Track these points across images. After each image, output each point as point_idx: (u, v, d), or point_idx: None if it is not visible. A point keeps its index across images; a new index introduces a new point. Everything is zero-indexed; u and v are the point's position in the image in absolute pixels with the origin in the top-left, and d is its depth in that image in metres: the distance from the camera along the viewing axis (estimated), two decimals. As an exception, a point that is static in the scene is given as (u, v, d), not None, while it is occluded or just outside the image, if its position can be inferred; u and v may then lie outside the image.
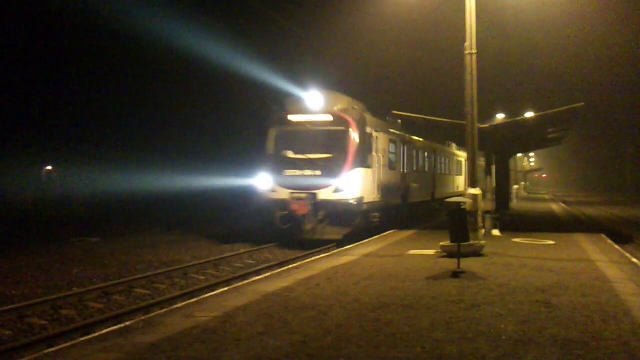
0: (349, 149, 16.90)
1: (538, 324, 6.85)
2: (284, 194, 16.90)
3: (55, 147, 41.87)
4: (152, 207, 33.25)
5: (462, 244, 10.75)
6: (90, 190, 36.62)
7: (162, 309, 9.01)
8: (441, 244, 12.74)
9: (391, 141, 20.24)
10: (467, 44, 14.46)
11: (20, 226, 24.56)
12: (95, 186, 36.73)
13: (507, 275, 10.10)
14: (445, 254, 12.46)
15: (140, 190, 33.21)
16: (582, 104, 17.73)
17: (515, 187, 48.77)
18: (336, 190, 16.50)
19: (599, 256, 12.76)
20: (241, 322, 7.05)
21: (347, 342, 6.18)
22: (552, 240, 15.77)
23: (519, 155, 57.69)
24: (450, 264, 11.08)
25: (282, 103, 18.43)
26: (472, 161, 15.13)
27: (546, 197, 63.55)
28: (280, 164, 17.38)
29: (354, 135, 17.03)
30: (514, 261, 11.78)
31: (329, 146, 17.17)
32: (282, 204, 16.87)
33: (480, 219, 14.41)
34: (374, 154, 18.04)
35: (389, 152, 19.92)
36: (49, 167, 45.40)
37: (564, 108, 17.84)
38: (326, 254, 13.51)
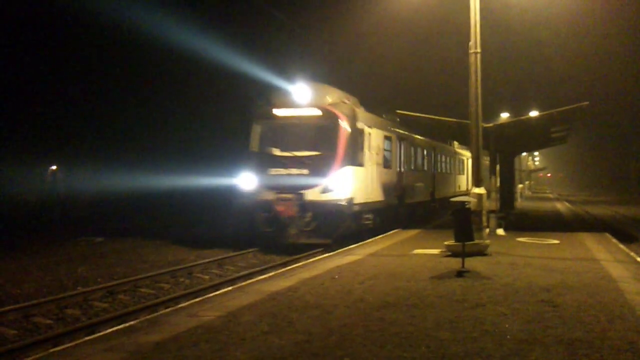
0: (339, 146, 15.77)
1: (543, 323, 6.84)
2: (268, 194, 15.72)
3: (59, 146, 41.95)
4: (152, 206, 33.24)
5: (466, 243, 10.75)
6: (95, 190, 36.66)
7: (166, 308, 9.03)
8: (445, 243, 12.73)
9: (386, 138, 19.23)
10: (471, 43, 14.45)
11: (25, 226, 24.63)
12: (100, 185, 36.76)
13: (512, 275, 10.08)
14: (449, 253, 12.44)
15: (144, 188, 33.19)
16: (587, 102, 17.67)
17: (520, 186, 48.66)
18: (324, 191, 15.40)
19: (604, 255, 12.73)
20: (245, 322, 7.05)
21: (351, 342, 6.18)
22: (557, 239, 15.73)
23: (524, 154, 57.55)
24: (455, 263, 11.07)
25: (267, 96, 17.19)
26: (476, 160, 15.12)
27: (550, 196, 63.43)
28: (264, 162, 16.26)
29: (344, 131, 15.91)
30: (519, 260, 11.75)
31: (317, 143, 16.09)
32: (266, 205, 15.67)
33: (484, 218, 14.39)
34: (366, 151, 17.03)
35: (384, 149, 18.93)
36: (54, 167, 45.50)
37: (569, 107, 17.78)
38: (330, 253, 13.49)
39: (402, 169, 21.05)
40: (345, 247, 14.63)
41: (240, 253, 15.69)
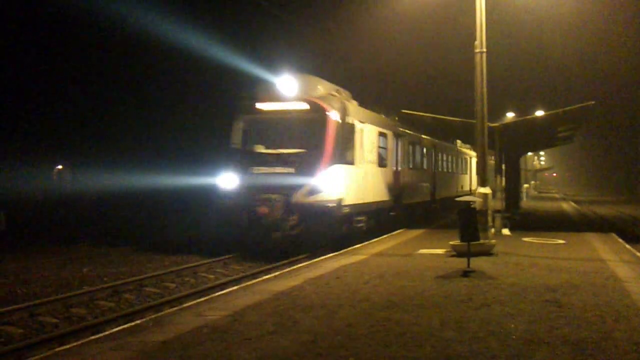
0: (327, 142, 14.50)
1: (549, 323, 6.82)
2: (251, 195, 14.35)
3: (65, 145, 42.15)
4: (156, 205, 33.25)
5: (471, 243, 10.73)
6: (100, 189, 36.78)
7: (172, 307, 9.05)
8: (451, 243, 12.71)
9: (381, 134, 18.00)
10: (477, 42, 14.43)
11: (31, 225, 24.72)
12: (105, 185, 36.87)
13: (518, 275, 10.06)
14: (455, 253, 12.43)
15: (150, 188, 33.21)
16: (593, 102, 17.61)
17: (526, 186, 48.55)
18: (311, 191, 14.11)
19: (610, 255, 12.69)
20: (251, 321, 7.06)
21: (356, 341, 6.18)
22: (563, 239, 15.69)
23: (529, 154, 57.42)
24: (460, 263, 11.05)
25: (250, 89, 15.97)
26: (482, 160, 15.09)
27: (556, 196, 63.22)
28: (246, 160, 14.94)
29: (333, 126, 14.65)
30: (524, 260, 11.73)
31: (304, 139, 14.85)
32: (248, 207, 14.22)
33: (490, 218, 14.37)
34: (358, 148, 15.77)
35: (379, 146, 17.73)
36: (60, 166, 45.73)
37: (575, 106, 17.73)
38: (335, 253, 13.47)
39: (399, 168, 19.96)
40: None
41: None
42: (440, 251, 13.20)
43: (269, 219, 14.01)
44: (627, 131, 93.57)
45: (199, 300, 8.77)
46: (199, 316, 7.39)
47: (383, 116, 19.30)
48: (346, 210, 14.87)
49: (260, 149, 15.07)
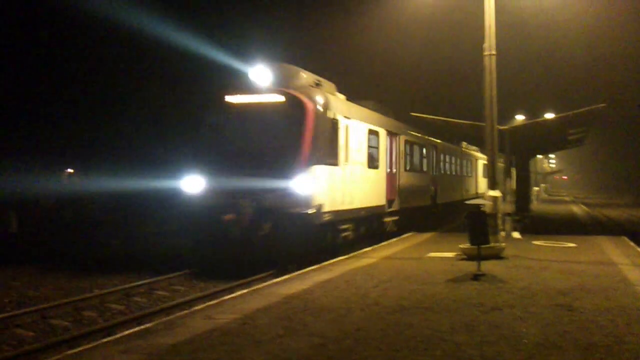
0: (305, 140, 12.83)
1: (560, 327, 6.78)
2: (218, 199, 12.79)
3: (75, 149, 42.36)
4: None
5: (482, 246, 10.68)
6: (110, 192, 36.92)
7: (181, 310, 9.07)
8: (461, 246, 12.66)
9: (372, 132, 16.39)
10: (486, 45, 14.39)
11: (41, 229, 24.86)
12: (116, 188, 37.01)
13: (528, 278, 10.00)
14: (464, 257, 12.39)
15: (158, 191, 33.25)
16: (604, 104, 17.56)
17: (536, 188, 48.33)
18: (286, 195, 12.44)
19: (621, 259, 12.59)
20: (261, 324, 7.07)
21: (366, 345, 6.16)
22: (573, 242, 15.59)
23: (539, 156, 57.18)
24: (470, 266, 11.00)
25: (219, 81, 14.67)
26: (491, 163, 15.04)
27: (567, 199, 62.92)
28: (214, 160, 13.35)
29: (312, 121, 13.01)
30: (535, 264, 11.67)
31: (279, 136, 13.22)
32: (215, 212, 12.55)
33: (500, 221, 14.30)
34: (342, 146, 14.17)
35: (369, 146, 16.11)
36: (70, 170, 45.95)
37: (585, 109, 17.68)
38: (345, 257, 13.45)
39: (394, 170, 18.37)
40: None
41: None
42: (450, 254, 13.15)
43: (237, 228, 12.42)
44: (638, 134, 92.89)
45: (208, 303, 8.78)
46: (209, 319, 7.40)
47: (376, 112, 17.64)
48: (327, 217, 13.25)
49: (230, 147, 13.53)
